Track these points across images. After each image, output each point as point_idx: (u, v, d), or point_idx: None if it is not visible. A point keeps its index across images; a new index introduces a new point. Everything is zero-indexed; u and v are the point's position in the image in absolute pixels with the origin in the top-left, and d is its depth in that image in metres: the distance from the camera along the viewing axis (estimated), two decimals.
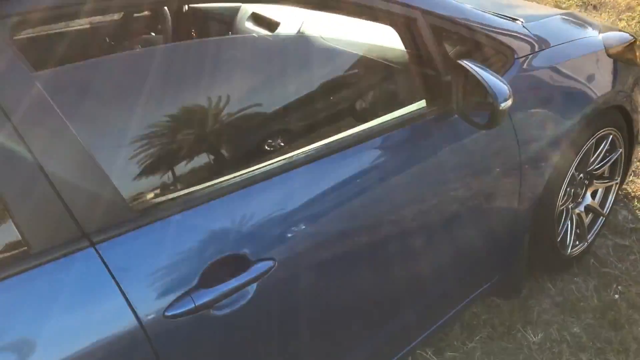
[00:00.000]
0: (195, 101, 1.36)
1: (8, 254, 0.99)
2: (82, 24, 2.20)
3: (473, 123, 1.48)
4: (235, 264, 1.15)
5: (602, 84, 1.98)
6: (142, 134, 1.23)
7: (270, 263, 1.19)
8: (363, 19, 1.52)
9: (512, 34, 1.75)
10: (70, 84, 1.20)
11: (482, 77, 1.39)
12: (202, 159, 1.31)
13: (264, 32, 2.19)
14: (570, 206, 2.17)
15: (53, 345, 0.97)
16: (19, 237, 0.96)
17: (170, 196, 1.16)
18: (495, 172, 1.70)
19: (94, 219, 1.02)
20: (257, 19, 2.27)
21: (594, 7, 5.25)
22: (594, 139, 2.02)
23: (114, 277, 1.02)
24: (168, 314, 1.06)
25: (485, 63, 1.69)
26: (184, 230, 1.12)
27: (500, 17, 1.79)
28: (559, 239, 2.11)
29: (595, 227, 2.33)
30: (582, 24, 2.15)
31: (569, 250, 2.19)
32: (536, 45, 1.81)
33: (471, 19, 1.62)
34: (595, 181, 2.24)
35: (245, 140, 1.38)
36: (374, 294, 1.48)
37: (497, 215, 1.80)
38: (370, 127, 1.43)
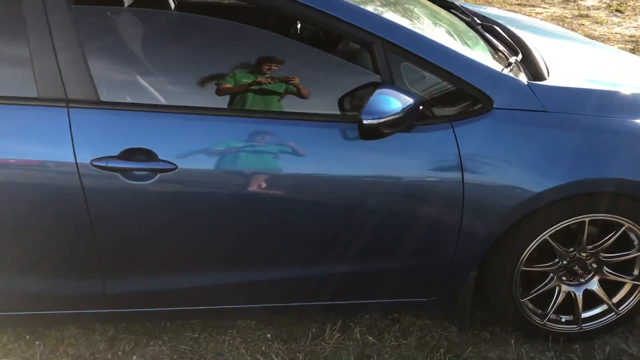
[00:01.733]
0: None
1: None
2: None
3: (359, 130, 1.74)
4: (148, 155, 1.78)
5: (611, 167, 1.90)
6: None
7: (172, 165, 1.78)
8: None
9: (498, 84, 1.88)
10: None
11: (373, 94, 1.69)
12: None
13: None
14: (560, 278, 2.12)
15: None
16: None
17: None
18: (430, 197, 1.88)
19: None
20: None
21: None
22: (585, 218, 1.95)
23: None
24: (95, 164, 1.76)
25: (449, 100, 1.90)
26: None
27: (494, 66, 1.94)
28: (524, 299, 2.10)
29: (603, 319, 2.18)
30: None
31: (544, 321, 2.15)
32: (531, 104, 1.88)
33: (444, 58, 1.85)
34: (606, 269, 2.11)
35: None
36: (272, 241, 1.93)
37: (428, 239, 1.96)
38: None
